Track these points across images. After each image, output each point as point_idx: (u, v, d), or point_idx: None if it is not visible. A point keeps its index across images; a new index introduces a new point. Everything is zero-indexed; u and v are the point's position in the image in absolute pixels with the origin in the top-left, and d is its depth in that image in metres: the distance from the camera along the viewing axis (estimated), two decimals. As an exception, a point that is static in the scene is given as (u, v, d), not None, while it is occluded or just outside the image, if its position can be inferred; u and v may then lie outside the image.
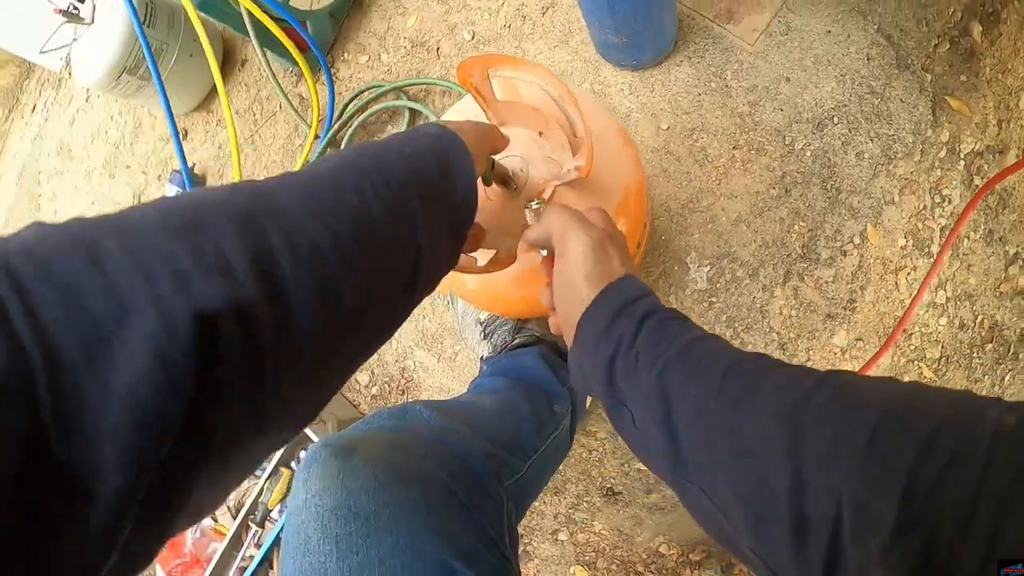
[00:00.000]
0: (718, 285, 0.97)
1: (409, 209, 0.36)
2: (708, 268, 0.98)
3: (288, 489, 0.95)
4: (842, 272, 0.94)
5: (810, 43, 0.97)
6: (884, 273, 0.92)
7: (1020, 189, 0.89)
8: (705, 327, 0.95)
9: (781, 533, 0.28)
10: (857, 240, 0.93)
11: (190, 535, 0.99)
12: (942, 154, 0.91)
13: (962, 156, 0.91)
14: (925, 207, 0.91)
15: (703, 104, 1.01)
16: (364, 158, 0.36)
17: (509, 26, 1.15)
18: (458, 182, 0.41)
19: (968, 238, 0.90)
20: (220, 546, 0.98)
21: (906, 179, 0.92)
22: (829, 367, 0.35)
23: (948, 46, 0.92)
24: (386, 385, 1.14)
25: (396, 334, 1.13)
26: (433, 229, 0.38)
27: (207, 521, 1.01)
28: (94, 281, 0.21)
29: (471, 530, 0.50)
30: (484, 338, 0.96)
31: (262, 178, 0.31)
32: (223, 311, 0.23)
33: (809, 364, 0.93)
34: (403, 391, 1.13)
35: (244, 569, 0.93)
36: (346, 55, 1.28)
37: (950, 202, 0.91)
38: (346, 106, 1.22)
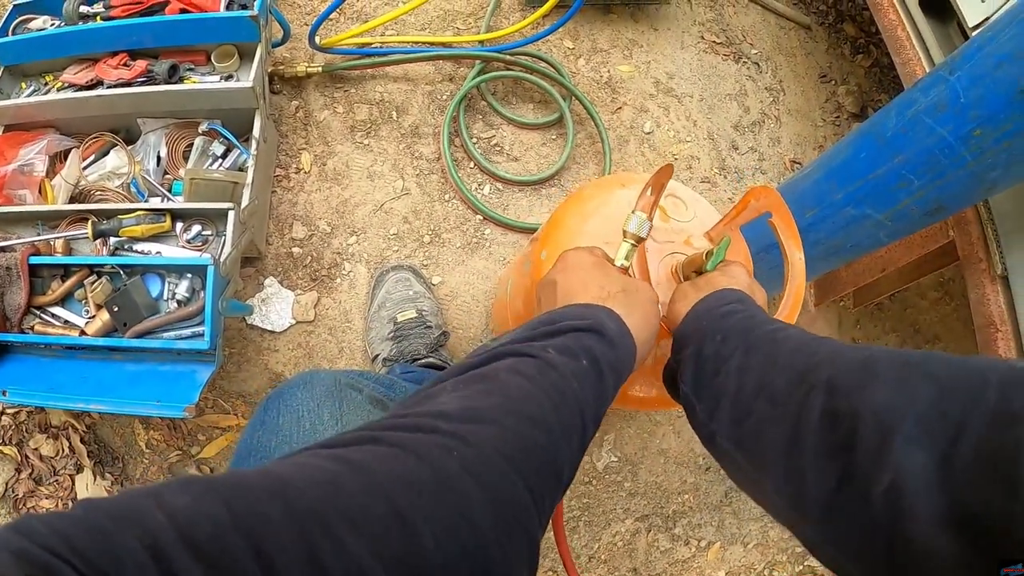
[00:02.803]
0: (606, 478, 1.03)
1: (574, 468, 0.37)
2: (614, 460, 1.04)
3: (158, 234, 0.77)
4: (673, 552, 1.04)
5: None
6: (691, 583, 1.04)
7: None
8: (567, 496, 0.99)
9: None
10: (703, 545, 1.05)
11: (18, 162, 0.74)
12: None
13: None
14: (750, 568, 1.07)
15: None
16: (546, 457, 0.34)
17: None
18: (620, 384, 0.42)
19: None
20: (28, 207, 0.75)
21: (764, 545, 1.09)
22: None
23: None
24: (309, 259, 1.01)
25: (366, 232, 1.01)
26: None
27: (40, 166, 0.77)
28: None
29: None
30: (392, 339, 0.91)
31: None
32: None
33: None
34: (314, 279, 1.01)
35: (34, 251, 0.70)
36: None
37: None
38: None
